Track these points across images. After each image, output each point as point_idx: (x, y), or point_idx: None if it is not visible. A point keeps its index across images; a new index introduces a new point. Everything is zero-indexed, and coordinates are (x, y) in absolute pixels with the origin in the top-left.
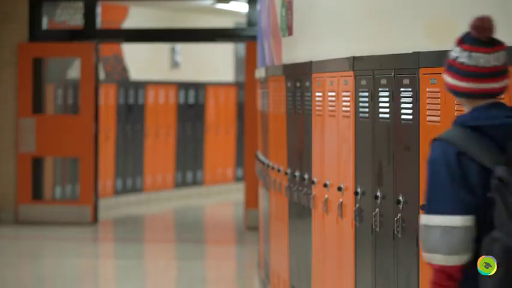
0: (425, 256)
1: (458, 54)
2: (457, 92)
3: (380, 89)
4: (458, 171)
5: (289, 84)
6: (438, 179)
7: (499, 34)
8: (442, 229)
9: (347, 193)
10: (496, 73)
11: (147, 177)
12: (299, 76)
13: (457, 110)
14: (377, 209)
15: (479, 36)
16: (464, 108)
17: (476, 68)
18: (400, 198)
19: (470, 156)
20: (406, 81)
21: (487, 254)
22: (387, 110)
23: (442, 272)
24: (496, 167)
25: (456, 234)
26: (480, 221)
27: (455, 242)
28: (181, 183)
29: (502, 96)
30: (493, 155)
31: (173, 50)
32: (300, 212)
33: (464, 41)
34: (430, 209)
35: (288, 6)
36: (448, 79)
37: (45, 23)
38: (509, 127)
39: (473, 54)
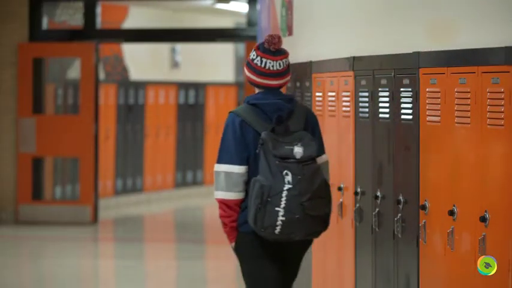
0: (215, 194)
1: (254, 57)
2: (251, 83)
3: (380, 89)
4: (240, 134)
5: (289, 84)
6: (227, 139)
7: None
8: (225, 174)
9: (347, 193)
10: (278, 74)
11: (147, 177)
12: (299, 76)
13: (456, 110)
14: (377, 209)
15: (269, 47)
16: (256, 91)
17: (265, 69)
18: (400, 198)
19: (248, 124)
20: (406, 81)
21: (252, 190)
22: (387, 110)
23: (224, 203)
24: (263, 132)
25: (234, 177)
26: (252, 169)
27: (233, 183)
28: (181, 183)
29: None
30: (263, 124)
31: (173, 50)
32: None
33: (259, 49)
34: (219, 159)
35: (288, 6)
36: (247, 73)
37: (45, 23)
38: (276, 105)
39: (263, 59)
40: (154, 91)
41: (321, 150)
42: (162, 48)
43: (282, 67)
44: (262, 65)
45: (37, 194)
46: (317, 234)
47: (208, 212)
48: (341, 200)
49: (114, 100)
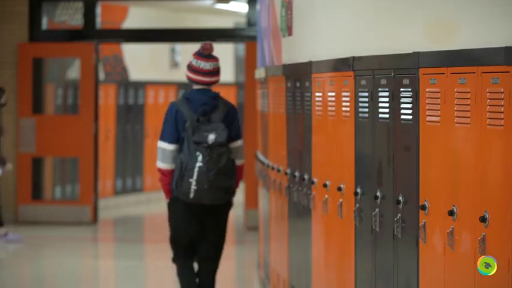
0: (156, 163)
1: (192, 60)
2: (189, 80)
3: (380, 89)
4: (174, 120)
5: (289, 85)
6: (165, 122)
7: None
8: (162, 149)
9: (347, 193)
10: (208, 73)
11: (147, 177)
12: (299, 76)
13: (456, 110)
14: (377, 209)
15: (203, 52)
16: (193, 87)
17: (199, 68)
18: (400, 198)
19: (181, 112)
20: (406, 81)
21: (176, 164)
22: (387, 110)
23: (160, 171)
24: (187, 122)
25: (166, 153)
26: (181, 147)
27: (166, 156)
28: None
29: (214, 85)
30: (192, 115)
31: (173, 50)
32: (300, 212)
33: (197, 53)
34: (160, 138)
35: (288, 6)
36: (187, 73)
37: (45, 23)
38: (203, 101)
39: (198, 61)
40: (154, 91)
41: (236, 137)
42: (162, 48)
43: (211, 68)
44: (197, 65)
45: (37, 194)
46: (222, 200)
47: None
48: (341, 200)
49: (114, 100)
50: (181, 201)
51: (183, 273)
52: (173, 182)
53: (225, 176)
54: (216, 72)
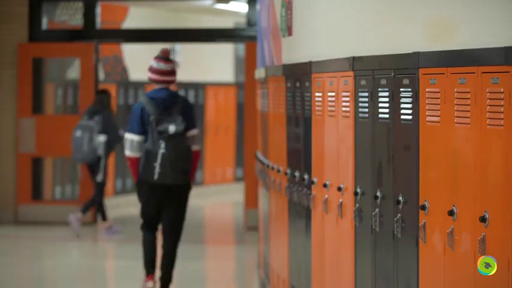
0: (125, 153)
1: (153, 62)
2: (150, 80)
3: (380, 89)
4: (139, 116)
5: (289, 85)
6: (132, 118)
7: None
8: (130, 140)
9: (347, 193)
10: (166, 73)
11: None
12: (299, 76)
13: (456, 110)
14: (377, 209)
15: (162, 56)
16: (155, 87)
17: (158, 69)
18: (400, 198)
19: (146, 110)
20: (406, 81)
21: (142, 152)
22: (387, 110)
23: (130, 159)
24: (151, 116)
25: (134, 143)
26: (146, 138)
27: (134, 146)
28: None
29: (172, 84)
30: (155, 110)
31: (173, 50)
32: (300, 212)
33: (157, 57)
34: (127, 131)
35: (288, 6)
36: (148, 74)
37: (45, 23)
38: (162, 99)
39: (158, 63)
40: None
41: (191, 127)
42: None
43: (170, 68)
44: (158, 67)
45: (37, 194)
46: (180, 181)
47: (208, 212)
48: (341, 200)
49: (114, 100)
50: (147, 183)
51: (145, 237)
52: (140, 167)
53: (183, 160)
54: (173, 72)
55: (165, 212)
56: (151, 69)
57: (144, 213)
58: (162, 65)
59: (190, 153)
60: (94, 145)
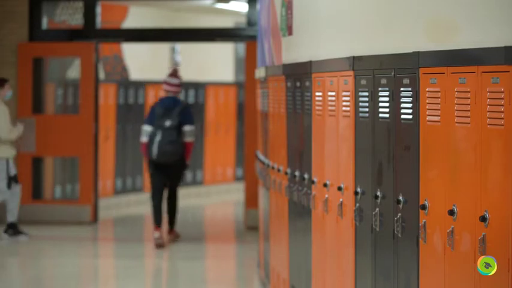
0: (140, 139)
1: (167, 79)
2: (165, 90)
3: (380, 89)
4: (152, 112)
5: (289, 84)
6: (148, 114)
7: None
8: (144, 130)
9: (347, 193)
10: (175, 85)
11: (146, 177)
12: (299, 76)
13: (456, 110)
14: (377, 209)
15: (173, 73)
16: (165, 95)
17: (171, 83)
18: (400, 198)
19: (155, 109)
20: (406, 81)
21: (149, 139)
22: (387, 110)
23: (142, 144)
24: (157, 114)
25: (145, 132)
26: (154, 128)
27: (145, 134)
28: (181, 183)
29: (179, 93)
30: (160, 109)
31: (173, 50)
32: (300, 212)
33: (170, 74)
34: (144, 123)
35: (288, 6)
36: (164, 86)
37: (45, 23)
38: (166, 103)
39: (173, 79)
40: (154, 91)
41: (189, 123)
42: (162, 48)
43: (177, 82)
44: (170, 81)
45: (37, 193)
46: (171, 159)
47: (208, 212)
48: (341, 199)
49: (114, 100)
50: (152, 161)
51: (154, 202)
52: (148, 150)
53: (172, 145)
54: (178, 85)
55: (167, 180)
56: (165, 83)
57: (152, 183)
58: (173, 80)
59: (178, 140)
60: None
